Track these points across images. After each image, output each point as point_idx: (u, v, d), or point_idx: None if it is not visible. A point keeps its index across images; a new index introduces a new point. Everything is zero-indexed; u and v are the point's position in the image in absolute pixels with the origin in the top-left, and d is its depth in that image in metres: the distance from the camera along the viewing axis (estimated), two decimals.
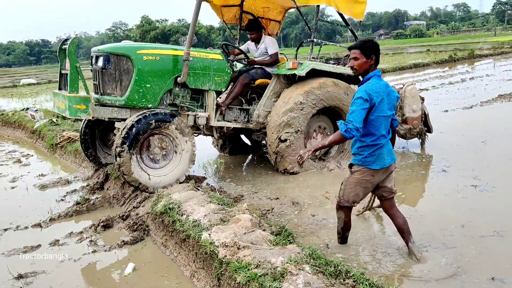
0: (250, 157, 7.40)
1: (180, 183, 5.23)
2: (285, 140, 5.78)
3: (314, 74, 6.01)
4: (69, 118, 5.43)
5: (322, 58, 6.47)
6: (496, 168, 5.77)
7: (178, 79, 5.49)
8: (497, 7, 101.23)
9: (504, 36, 48.08)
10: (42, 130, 9.43)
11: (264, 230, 3.55)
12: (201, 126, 5.84)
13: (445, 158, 6.35)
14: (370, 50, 3.30)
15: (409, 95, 6.71)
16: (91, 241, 4.36)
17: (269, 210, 4.71)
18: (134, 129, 4.91)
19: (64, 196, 5.83)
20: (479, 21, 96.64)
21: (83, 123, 6.20)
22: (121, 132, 4.94)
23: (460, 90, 12.83)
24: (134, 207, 4.91)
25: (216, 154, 7.56)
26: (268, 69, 6.40)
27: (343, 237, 3.75)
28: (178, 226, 3.86)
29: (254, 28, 6.46)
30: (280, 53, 6.60)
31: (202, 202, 4.19)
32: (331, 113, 6.29)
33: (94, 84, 5.52)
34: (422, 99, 7.01)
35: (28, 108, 11.64)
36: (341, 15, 6.36)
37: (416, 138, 7.00)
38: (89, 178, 6.49)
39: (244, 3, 6.88)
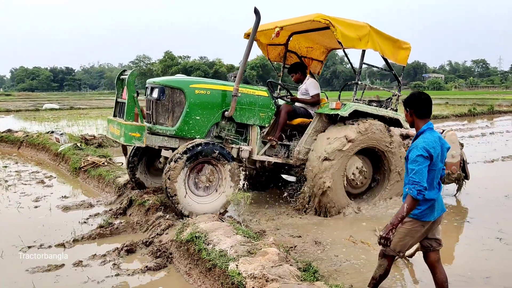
0: (271, 193, 7.42)
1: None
2: (323, 176, 5.82)
3: (356, 115, 6.14)
4: (125, 144, 5.78)
5: (365, 100, 6.64)
6: None
7: (226, 113, 5.78)
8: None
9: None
10: (66, 153, 9.61)
11: (291, 265, 3.55)
12: (244, 159, 6.02)
13: (469, 210, 6.31)
14: (406, 103, 3.40)
15: (449, 141, 6.54)
16: (114, 264, 4.38)
17: (292, 247, 4.70)
18: (199, 148, 5.27)
19: (87, 219, 5.89)
20: (498, 78, 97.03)
21: (131, 150, 6.51)
22: (188, 144, 5.29)
23: (480, 144, 12.82)
24: (157, 234, 4.93)
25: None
26: (309, 109, 6.62)
27: (377, 283, 3.69)
28: (204, 255, 3.88)
29: (297, 70, 6.82)
30: (322, 92, 6.88)
31: (229, 233, 4.22)
32: (370, 154, 6.37)
33: (147, 113, 5.83)
34: (461, 145, 7.06)
35: (53, 132, 11.90)
36: (385, 60, 6.55)
37: (453, 183, 6.98)
38: (112, 203, 6.57)
39: (289, 42, 7.22)
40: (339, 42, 5.77)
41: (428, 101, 3.36)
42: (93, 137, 12.55)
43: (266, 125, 6.23)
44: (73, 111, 28.89)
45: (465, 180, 7.10)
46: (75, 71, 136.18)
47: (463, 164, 6.99)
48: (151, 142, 5.56)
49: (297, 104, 6.65)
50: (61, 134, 11.06)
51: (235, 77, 5.85)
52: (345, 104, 6.03)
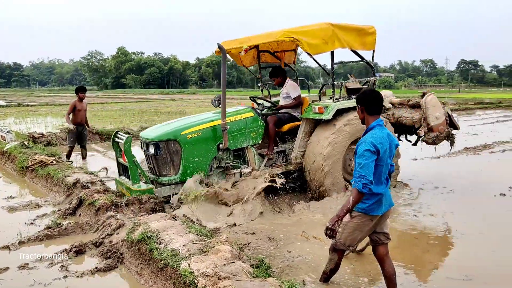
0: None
1: (156, 212, 5.25)
2: (323, 172, 6.19)
3: (340, 112, 6.43)
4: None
5: (345, 96, 6.83)
6: (462, 216, 6.01)
7: (220, 146, 6.05)
8: (462, 66, 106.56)
9: (468, 94, 50.41)
10: (13, 152, 9.22)
11: (243, 262, 3.56)
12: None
13: (415, 203, 6.55)
14: (358, 100, 3.53)
15: (430, 105, 7.05)
16: (62, 266, 4.25)
17: (245, 244, 4.71)
18: None
19: (34, 219, 5.69)
20: (445, 78, 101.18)
21: None
22: None
23: None
24: (108, 234, 4.82)
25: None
26: (294, 113, 6.88)
27: (328, 277, 3.77)
28: (156, 255, 3.83)
29: (277, 74, 7.06)
30: (304, 95, 7.10)
31: (181, 232, 4.18)
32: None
33: (149, 166, 6.18)
34: (443, 104, 7.38)
35: None
36: (355, 52, 6.73)
37: (445, 140, 7.35)
38: (61, 203, 6.36)
39: (258, 45, 7.24)
40: (308, 53, 5.94)
41: (378, 98, 3.47)
42: (41, 135, 12.13)
43: (260, 142, 6.52)
44: (21, 108, 27.80)
45: (455, 130, 7.50)
46: (24, 66, 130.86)
47: (449, 119, 7.31)
48: (160, 194, 5.84)
49: (280, 111, 6.88)
50: (7, 132, 10.61)
51: (218, 100, 6.29)
52: (327, 107, 6.30)
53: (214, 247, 3.75)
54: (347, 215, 3.41)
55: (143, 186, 5.72)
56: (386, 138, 3.37)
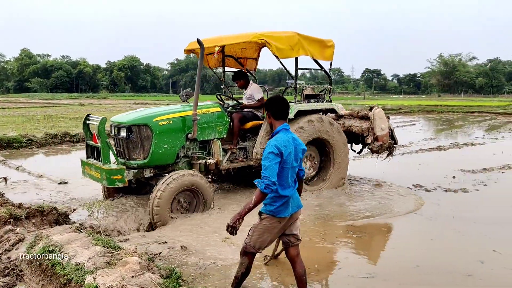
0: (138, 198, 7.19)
1: (59, 224, 4.95)
2: None
3: (300, 113, 7.09)
4: (109, 187, 6.15)
5: (305, 100, 7.49)
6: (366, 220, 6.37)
7: (189, 135, 6.34)
8: (366, 74, 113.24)
9: (372, 100, 53.59)
10: None
11: (153, 273, 3.46)
12: (212, 171, 6.66)
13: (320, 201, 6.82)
14: (266, 106, 3.67)
15: (377, 117, 7.81)
16: None
17: (156, 254, 4.60)
18: None
19: None
20: (351, 86, 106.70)
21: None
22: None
23: None
24: (6, 250, 4.44)
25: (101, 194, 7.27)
26: (256, 112, 7.26)
27: (239, 282, 3.78)
28: (58, 270, 3.60)
29: (240, 77, 7.47)
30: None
31: (86, 245, 3.97)
32: (317, 143, 7.44)
33: (117, 150, 6.23)
34: (388, 117, 8.11)
35: None
36: (316, 61, 7.32)
37: (386, 151, 8.10)
38: None
39: (224, 48, 7.80)
40: (276, 56, 6.48)
41: (283, 104, 3.61)
42: None
43: (224, 136, 6.80)
44: None
45: (395, 145, 8.31)
46: None
47: (391, 133, 8.11)
48: (129, 177, 5.98)
49: (244, 110, 7.24)
50: None
51: (186, 95, 6.82)
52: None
53: (122, 259, 3.62)
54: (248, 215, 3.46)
55: (113, 166, 5.81)
56: (291, 142, 3.49)
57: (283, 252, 3.99)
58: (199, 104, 6.50)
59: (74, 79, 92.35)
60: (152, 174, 6.26)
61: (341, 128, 7.76)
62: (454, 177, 8.98)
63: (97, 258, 3.66)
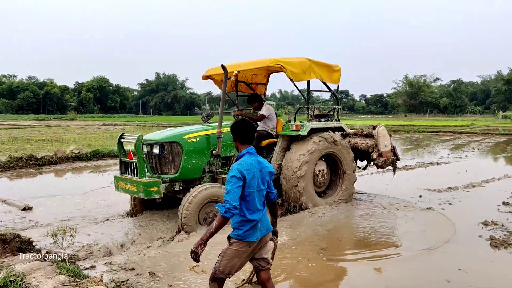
0: (107, 223, 7.05)
1: (23, 252, 4.79)
2: (298, 183, 7.38)
3: (312, 131, 7.80)
4: (145, 198, 6.42)
5: (316, 119, 8.34)
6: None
7: (214, 152, 6.92)
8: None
9: (341, 120, 54.46)
10: None
11: None
12: None
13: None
14: (231, 130, 3.68)
15: (381, 135, 8.48)
16: None
17: (123, 282, 4.49)
18: None
19: None
20: (321, 106, 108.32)
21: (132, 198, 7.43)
22: None
23: None
24: None
25: (71, 219, 7.09)
26: (269, 131, 7.94)
27: None
28: None
29: (255, 100, 8.27)
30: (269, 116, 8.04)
31: (50, 274, 3.86)
32: (328, 159, 8.13)
33: (151, 166, 6.66)
34: (390, 135, 8.76)
35: None
36: (325, 84, 8.21)
37: (389, 166, 8.73)
38: None
39: (240, 74, 8.36)
40: (291, 79, 7.25)
41: (248, 128, 3.63)
42: None
43: None
44: None
45: (397, 161, 8.96)
46: None
47: (393, 150, 8.72)
48: (162, 189, 6.39)
49: (259, 129, 7.83)
50: None
51: (207, 117, 7.44)
52: (303, 125, 7.64)
53: None
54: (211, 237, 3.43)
55: (150, 179, 6.30)
56: (256, 165, 3.50)
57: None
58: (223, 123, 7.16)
59: (41, 100, 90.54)
60: (181, 188, 6.76)
61: (348, 145, 8.40)
62: (420, 196, 9.18)
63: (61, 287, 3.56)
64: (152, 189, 6.23)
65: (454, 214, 7.67)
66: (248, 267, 3.93)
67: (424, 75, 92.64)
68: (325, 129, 8.09)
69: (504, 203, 8.39)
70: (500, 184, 10.74)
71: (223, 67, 6.72)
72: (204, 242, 3.32)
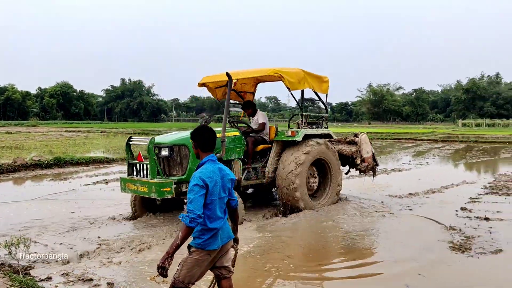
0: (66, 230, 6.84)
1: None
2: (294, 185, 7.79)
3: (306, 137, 8.26)
4: (158, 198, 6.73)
5: (309, 125, 8.95)
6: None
7: (217, 155, 6.70)
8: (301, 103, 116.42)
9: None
10: None
11: None
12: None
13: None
14: (191, 136, 3.60)
15: (363, 142, 9.22)
16: None
17: None
18: None
19: None
20: (287, 113, 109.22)
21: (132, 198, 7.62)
22: None
23: None
24: None
25: (28, 228, 6.85)
26: (264, 137, 8.44)
27: None
28: None
29: (249, 107, 8.74)
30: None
31: (2, 286, 3.71)
32: (317, 164, 8.57)
33: (160, 168, 6.82)
34: (370, 142, 9.51)
35: None
36: (315, 93, 8.82)
37: (370, 171, 9.44)
38: None
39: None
40: (288, 88, 7.75)
41: (211, 134, 3.56)
42: None
43: (242, 157, 7.79)
44: None
45: (377, 166, 9.64)
46: None
47: (373, 156, 9.38)
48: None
49: (254, 135, 8.29)
50: None
51: (205, 121, 7.86)
52: (298, 131, 8.12)
53: None
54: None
55: (162, 180, 6.60)
56: (217, 173, 3.45)
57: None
58: (219, 129, 7.51)
59: (1, 106, 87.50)
60: (187, 189, 6.52)
61: (336, 151, 8.95)
62: (382, 202, 9.35)
63: None
64: (165, 189, 6.51)
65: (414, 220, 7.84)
66: (210, 275, 3.88)
67: (387, 83, 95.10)
68: (316, 136, 8.61)
69: (462, 209, 8.64)
70: (458, 190, 11.07)
71: (227, 74, 7.13)
72: (170, 255, 3.23)
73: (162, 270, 3.22)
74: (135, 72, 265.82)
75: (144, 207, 7.74)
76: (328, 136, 9.09)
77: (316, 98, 9.05)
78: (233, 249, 3.82)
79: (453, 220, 7.74)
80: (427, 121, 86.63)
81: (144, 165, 7.01)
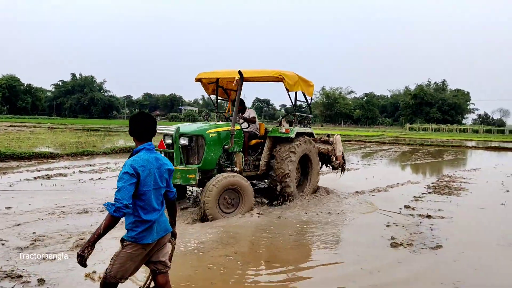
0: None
1: None
2: (289, 176, 8.47)
3: (297, 135, 8.92)
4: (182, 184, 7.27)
5: (299, 124, 9.62)
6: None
7: (225, 146, 7.82)
8: (256, 103, 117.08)
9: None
10: None
11: None
12: None
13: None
14: (130, 123, 3.37)
15: (337, 142, 10.31)
16: None
17: None
18: None
19: None
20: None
21: None
22: None
23: None
24: None
25: None
26: (256, 132, 9.07)
27: None
28: None
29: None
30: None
31: None
32: (301, 160, 9.19)
33: (178, 156, 7.29)
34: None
35: None
36: (304, 95, 9.54)
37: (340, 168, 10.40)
38: None
39: (218, 80, 9.49)
40: (286, 89, 8.44)
41: (145, 121, 3.36)
42: None
43: (241, 149, 8.23)
44: None
45: (345, 164, 10.59)
46: None
47: (343, 155, 10.39)
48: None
49: (248, 129, 8.73)
50: None
51: (207, 116, 9.37)
52: (291, 129, 8.69)
53: None
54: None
55: (188, 166, 7.19)
56: (153, 162, 3.28)
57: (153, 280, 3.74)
58: (223, 123, 8.27)
59: None
60: (200, 177, 7.43)
61: (317, 149, 9.82)
62: (329, 195, 9.49)
63: None
64: (190, 176, 6.98)
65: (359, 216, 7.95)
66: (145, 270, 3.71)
67: (340, 87, 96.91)
68: (304, 134, 9.31)
69: (405, 206, 8.88)
70: (403, 188, 11.40)
71: (239, 72, 7.89)
72: (91, 244, 3.05)
73: (81, 259, 3.04)
74: (87, 67, 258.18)
75: None
76: (311, 135, 9.77)
77: (304, 100, 9.81)
78: (170, 243, 3.66)
79: (397, 217, 7.92)
80: (377, 124, 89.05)
81: (167, 153, 7.37)
